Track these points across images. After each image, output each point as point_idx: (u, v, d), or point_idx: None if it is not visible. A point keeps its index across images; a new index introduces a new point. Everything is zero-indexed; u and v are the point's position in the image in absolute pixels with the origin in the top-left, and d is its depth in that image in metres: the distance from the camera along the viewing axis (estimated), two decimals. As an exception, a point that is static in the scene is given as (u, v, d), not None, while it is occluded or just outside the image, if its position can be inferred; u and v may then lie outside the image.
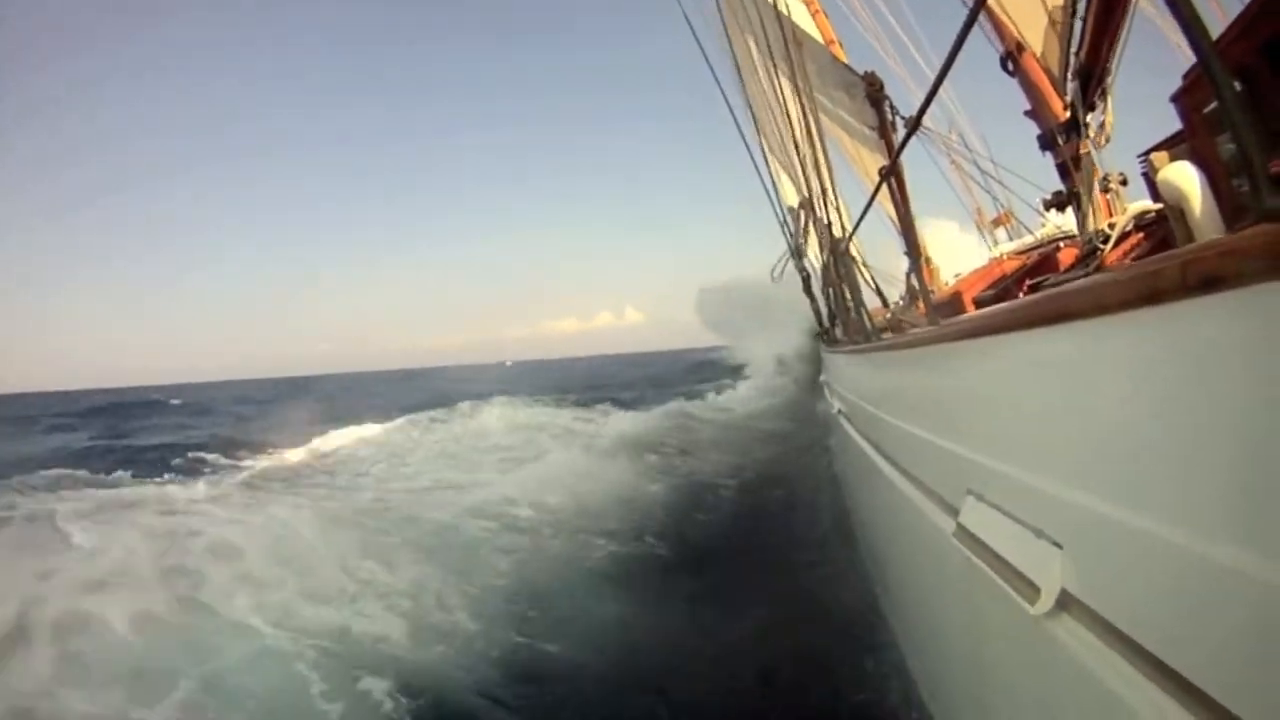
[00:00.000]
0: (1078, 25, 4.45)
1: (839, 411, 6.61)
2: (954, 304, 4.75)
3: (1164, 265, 1.03)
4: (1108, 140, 4.90)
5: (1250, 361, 0.91)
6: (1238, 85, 2.36)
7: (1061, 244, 5.38)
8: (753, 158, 9.34)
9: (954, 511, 2.26)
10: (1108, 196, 4.82)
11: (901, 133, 8.75)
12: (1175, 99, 2.82)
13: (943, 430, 2.53)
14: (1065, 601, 1.45)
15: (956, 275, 8.08)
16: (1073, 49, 4.70)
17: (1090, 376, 1.36)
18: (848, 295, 5.37)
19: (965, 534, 2.08)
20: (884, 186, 4.29)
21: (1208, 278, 0.93)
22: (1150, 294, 1.07)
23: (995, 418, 2.01)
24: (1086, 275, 3.61)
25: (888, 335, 4.60)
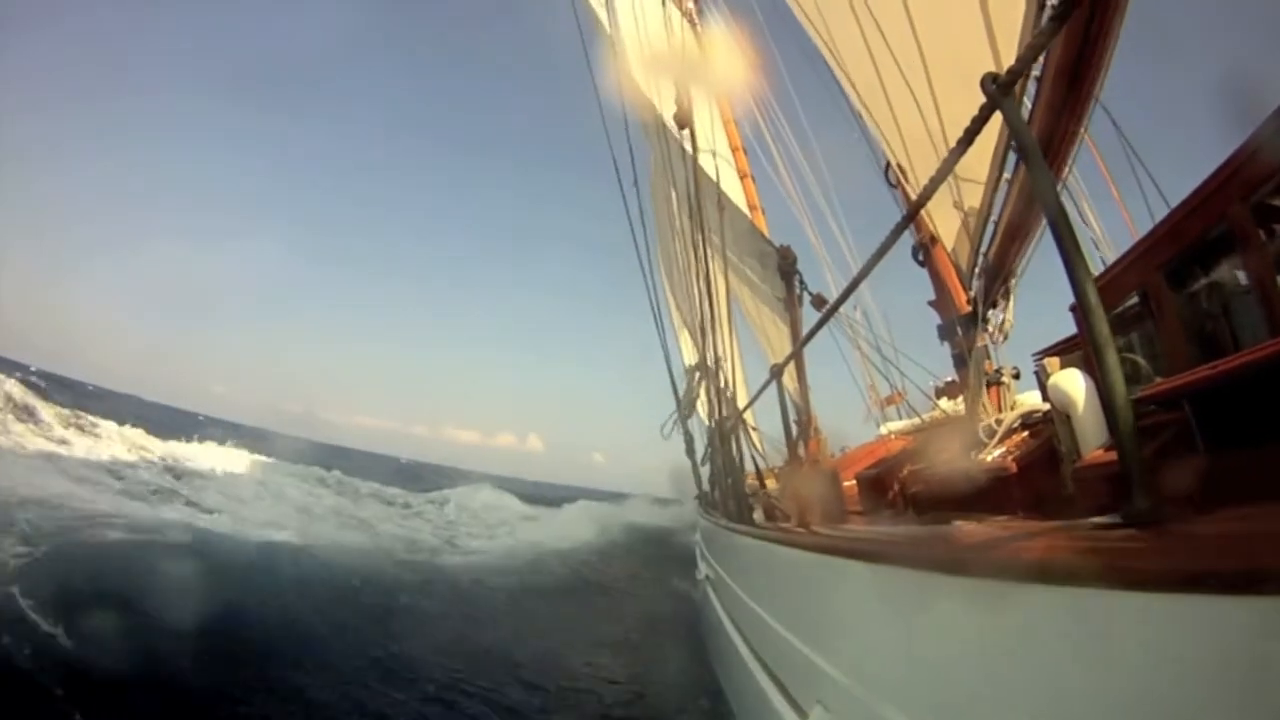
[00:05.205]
0: (989, 229, 4.76)
1: (706, 578, 6.53)
2: (835, 480, 4.75)
3: (1024, 546, 1.04)
4: (1006, 338, 5.14)
5: (1086, 651, 0.95)
6: (1135, 300, 2.43)
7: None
8: (655, 311, 9.13)
9: (804, 714, 2.29)
10: (999, 389, 5.00)
11: (807, 307, 9.16)
12: (1074, 308, 2.92)
13: (800, 633, 2.51)
14: None
15: (843, 448, 8.23)
16: (982, 249, 5.01)
17: (946, 623, 1.36)
18: (726, 471, 5.40)
19: None
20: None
21: (1069, 572, 0.93)
22: (1008, 571, 1.05)
23: (849, 636, 1.96)
24: (969, 475, 3.62)
25: (761, 522, 4.58)
